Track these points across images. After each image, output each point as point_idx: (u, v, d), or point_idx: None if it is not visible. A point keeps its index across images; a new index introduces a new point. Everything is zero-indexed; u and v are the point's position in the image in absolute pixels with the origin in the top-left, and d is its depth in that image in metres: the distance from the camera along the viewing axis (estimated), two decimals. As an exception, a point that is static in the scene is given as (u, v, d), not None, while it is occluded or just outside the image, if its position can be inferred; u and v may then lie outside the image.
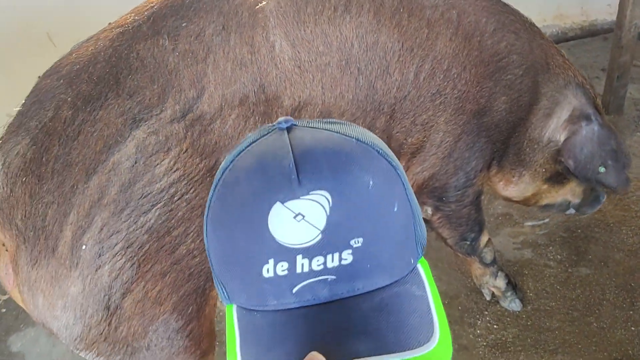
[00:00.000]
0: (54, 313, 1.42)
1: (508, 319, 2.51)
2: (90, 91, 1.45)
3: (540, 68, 2.14)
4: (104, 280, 1.41)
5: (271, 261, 0.66)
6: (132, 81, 1.47)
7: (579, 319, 2.45)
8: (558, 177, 2.36)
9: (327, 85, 1.70)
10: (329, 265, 0.66)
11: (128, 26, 1.58)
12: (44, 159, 1.40)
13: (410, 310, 0.67)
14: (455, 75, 1.90)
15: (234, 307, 0.72)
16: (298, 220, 0.65)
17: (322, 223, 0.65)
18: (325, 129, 0.72)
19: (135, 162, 1.42)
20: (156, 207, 1.44)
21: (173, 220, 1.47)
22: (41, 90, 1.51)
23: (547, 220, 2.99)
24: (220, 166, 0.74)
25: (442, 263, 2.80)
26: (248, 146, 0.72)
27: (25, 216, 1.39)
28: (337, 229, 0.65)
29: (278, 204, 0.65)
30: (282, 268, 0.66)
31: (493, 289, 2.58)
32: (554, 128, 2.21)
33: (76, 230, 1.39)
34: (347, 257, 0.66)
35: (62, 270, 1.39)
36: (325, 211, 0.65)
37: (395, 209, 0.69)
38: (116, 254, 1.41)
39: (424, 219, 2.26)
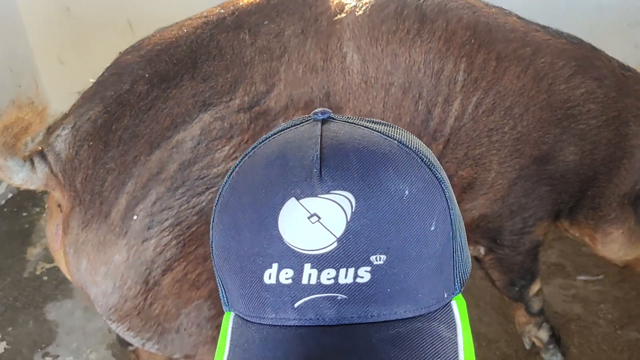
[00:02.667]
0: (94, 278, 1.43)
1: (547, 372, 2.41)
2: (167, 70, 1.49)
3: (633, 119, 1.96)
4: (148, 254, 1.42)
5: (275, 265, 0.57)
6: (208, 67, 1.50)
7: (622, 384, 2.32)
8: None
9: (388, 105, 1.69)
10: (341, 281, 0.55)
11: (213, 17, 1.62)
12: (113, 127, 1.43)
13: (431, 352, 0.55)
14: (517, 115, 1.83)
15: (231, 315, 0.63)
16: (312, 221, 0.55)
17: (340, 229, 0.55)
18: (366, 127, 0.62)
19: (198, 144, 1.44)
20: (210, 191, 1.45)
21: None
22: (121, 64, 1.55)
23: (601, 276, 2.86)
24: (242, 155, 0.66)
25: (484, 303, 2.72)
26: (275, 134, 0.64)
27: (85, 179, 1.42)
28: (357, 239, 0.55)
29: (293, 199, 0.56)
30: (287, 276, 0.56)
31: (535, 339, 2.48)
32: None
33: (131, 200, 1.40)
34: (364, 275, 0.55)
35: (110, 236, 1.41)
36: (346, 216, 0.55)
37: (433, 228, 0.58)
38: (164, 229, 1.42)
39: (475, 257, 2.19)
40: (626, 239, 2.10)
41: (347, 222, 0.55)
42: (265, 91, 1.53)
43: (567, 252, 3.04)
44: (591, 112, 1.91)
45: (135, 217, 1.40)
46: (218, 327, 1.55)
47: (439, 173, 0.61)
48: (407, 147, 0.61)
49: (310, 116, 0.64)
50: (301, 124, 0.64)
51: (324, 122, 0.63)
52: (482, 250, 2.13)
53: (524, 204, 1.97)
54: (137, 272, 1.42)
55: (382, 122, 0.65)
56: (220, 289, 0.65)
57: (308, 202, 0.56)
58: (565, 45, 1.91)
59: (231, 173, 0.63)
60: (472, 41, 1.77)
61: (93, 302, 1.50)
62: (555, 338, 2.45)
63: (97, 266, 1.42)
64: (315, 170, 0.56)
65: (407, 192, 0.58)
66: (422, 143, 0.65)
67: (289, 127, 0.64)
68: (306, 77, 1.59)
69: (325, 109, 0.64)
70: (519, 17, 1.94)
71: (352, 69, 1.65)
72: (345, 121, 0.63)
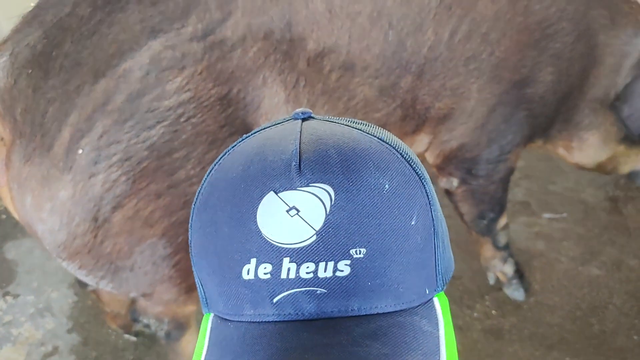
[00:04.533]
0: (40, 215, 1.37)
1: (508, 307, 2.43)
2: None
3: (601, 28, 1.97)
4: (95, 190, 1.35)
5: (253, 261, 0.55)
6: None
7: (581, 319, 2.36)
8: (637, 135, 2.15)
9: (354, 35, 1.61)
10: (321, 275, 0.54)
11: None
12: (53, 53, 1.34)
13: (413, 346, 0.55)
14: (494, 41, 1.77)
15: (211, 316, 0.62)
16: (291, 214, 0.54)
17: (319, 222, 0.54)
18: (346, 125, 0.62)
19: (147, 74, 1.35)
20: (161, 125, 1.38)
21: (176, 142, 1.41)
22: None
23: (565, 214, 2.88)
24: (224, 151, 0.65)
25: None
26: (255, 132, 0.63)
27: (25, 110, 1.33)
28: (337, 232, 0.54)
29: (272, 193, 0.55)
30: (265, 270, 0.55)
31: (499, 274, 2.51)
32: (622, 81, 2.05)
33: (75, 133, 1.33)
34: (344, 268, 0.54)
35: (54, 171, 1.33)
36: (325, 209, 0.54)
37: (413, 223, 0.58)
38: (113, 164, 1.35)
39: (446, 190, 2.17)
40: (601, 141, 2.13)
41: (327, 215, 0.54)
42: (220, 19, 1.44)
43: (533, 190, 3.05)
44: (565, 29, 1.89)
45: (80, 151, 1.33)
46: (175, 265, 1.51)
47: (419, 169, 0.60)
48: (387, 143, 0.60)
49: (291, 116, 0.63)
50: (281, 123, 0.63)
51: (304, 120, 0.62)
52: (454, 182, 2.10)
53: (503, 130, 1.95)
54: (85, 209, 1.36)
55: (362, 122, 0.64)
56: (199, 290, 0.64)
57: (287, 195, 0.55)
58: None
59: (210, 171, 0.62)
60: None
61: (41, 240, 1.44)
62: (519, 273, 2.48)
63: (42, 202, 1.36)
64: (294, 164, 0.55)
65: (387, 186, 0.57)
66: (402, 142, 0.63)
67: (269, 126, 0.63)
68: (266, 5, 1.50)
69: (305, 109, 0.63)
70: None
71: None
72: (325, 120, 0.63)
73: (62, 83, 1.33)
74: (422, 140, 1.94)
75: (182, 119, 1.40)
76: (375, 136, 0.60)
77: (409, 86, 1.75)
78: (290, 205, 0.54)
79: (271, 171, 0.56)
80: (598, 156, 2.19)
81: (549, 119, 2.05)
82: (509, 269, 2.47)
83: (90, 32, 1.34)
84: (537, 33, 1.84)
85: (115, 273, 1.47)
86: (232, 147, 0.62)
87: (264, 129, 0.63)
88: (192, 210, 0.62)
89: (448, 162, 2.01)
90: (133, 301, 1.87)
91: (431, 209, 0.60)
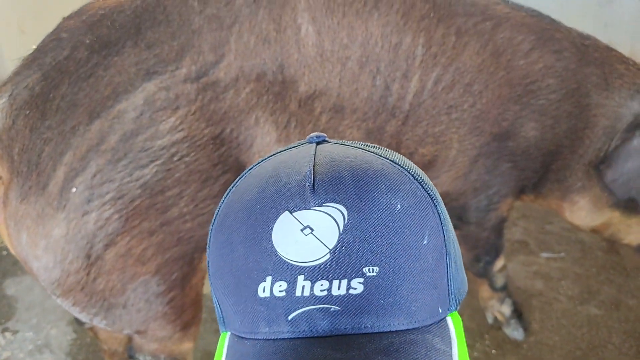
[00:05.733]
0: (35, 252, 1.39)
1: (508, 346, 2.42)
2: (109, 36, 1.43)
3: (593, 88, 1.92)
4: (88, 228, 1.38)
5: (269, 279, 0.57)
6: (153, 34, 1.45)
7: (581, 359, 2.34)
8: (632, 203, 2.06)
9: (344, 79, 1.65)
10: (335, 292, 0.56)
11: None
12: (51, 95, 1.38)
13: None
14: (477, 92, 1.80)
15: (227, 335, 0.64)
16: (305, 233, 0.56)
17: (332, 241, 0.56)
18: (359, 148, 0.64)
19: (141, 114, 1.39)
20: (154, 164, 1.41)
21: (169, 180, 1.44)
22: (62, 30, 1.49)
23: (563, 254, 2.88)
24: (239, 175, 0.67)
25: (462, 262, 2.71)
26: (271, 156, 0.66)
27: (22, 149, 1.37)
28: (350, 251, 0.56)
29: (286, 213, 0.57)
30: (280, 288, 0.57)
31: (497, 314, 2.50)
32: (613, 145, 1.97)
33: (69, 172, 1.36)
34: (358, 286, 0.56)
35: (48, 209, 1.36)
36: (339, 228, 0.56)
37: (425, 242, 0.59)
38: (105, 202, 1.38)
39: None
40: (592, 205, 2.08)
41: (340, 234, 0.56)
42: (214, 61, 1.48)
43: (530, 229, 3.06)
44: (550, 86, 1.88)
45: (74, 189, 1.36)
46: (169, 302, 1.52)
47: (431, 190, 0.62)
48: (399, 165, 0.62)
49: (305, 139, 0.65)
50: (296, 147, 0.65)
51: (318, 143, 0.64)
52: None
53: (487, 181, 1.95)
54: (78, 247, 1.38)
55: (375, 145, 0.66)
56: (217, 309, 0.65)
57: (301, 215, 0.57)
58: (525, 19, 1.88)
59: (227, 194, 0.64)
60: (431, 15, 1.74)
61: (36, 277, 1.46)
62: (517, 313, 2.47)
63: (37, 240, 1.38)
64: (308, 184, 0.57)
65: (399, 206, 0.58)
66: (414, 164, 0.65)
67: (284, 150, 0.66)
68: (258, 49, 1.54)
69: (320, 133, 0.66)
70: None
71: (307, 42, 1.61)
72: (339, 143, 0.65)
73: (58, 123, 1.37)
74: None
75: (175, 158, 1.44)
76: (387, 158, 0.62)
77: (394, 130, 1.78)
78: (305, 225, 0.56)
79: (286, 192, 0.58)
80: (590, 220, 2.13)
81: (537, 173, 2.02)
82: (506, 309, 2.46)
83: (87, 74, 1.39)
84: (519, 88, 1.83)
85: (108, 310, 1.49)
86: (248, 171, 0.64)
87: (278, 152, 0.65)
88: (209, 233, 0.64)
89: None
90: (130, 338, 1.87)
91: (443, 229, 0.61)
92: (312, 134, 0.65)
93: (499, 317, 2.49)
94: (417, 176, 0.61)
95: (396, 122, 1.76)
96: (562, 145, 1.98)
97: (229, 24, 1.52)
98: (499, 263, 2.33)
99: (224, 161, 1.52)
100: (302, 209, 0.57)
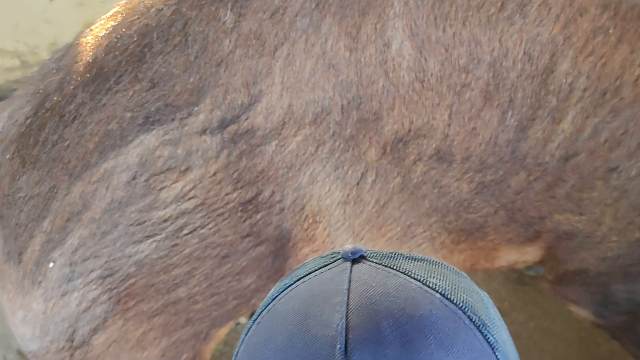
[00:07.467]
0: (13, 320, 1.16)
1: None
2: (106, 63, 1.05)
3: None
4: (70, 310, 1.10)
5: None
6: (162, 61, 1.03)
7: None
8: None
9: (457, 115, 1.14)
10: None
11: None
12: (32, 139, 1.07)
13: None
14: None
15: None
16: None
17: None
18: (403, 272, 0.53)
19: (134, 178, 1.04)
20: (153, 239, 1.07)
21: (175, 258, 1.10)
22: (73, 45, 1.15)
23: None
24: (263, 301, 0.57)
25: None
26: (299, 280, 0.56)
27: (5, 202, 1.10)
28: None
29: None
30: None
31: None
32: None
33: (46, 242, 1.07)
34: None
35: (26, 281, 1.11)
36: None
37: None
38: (90, 282, 1.08)
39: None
40: None
41: None
42: (247, 102, 1.06)
43: None
44: None
45: (51, 264, 1.07)
46: None
47: (493, 334, 0.51)
48: (453, 302, 0.50)
49: (339, 252, 0.56)
50: (328, 266, 0.55)
51: (354, 262, 0.54)
52: (586, 313, 1.55)
53: None
54: (59, 328, 1.12)
55: (422, 257, 0.55)
56: None
57: None
58: None
59: (247, 331, 0.55)
60: (611, 30, 1.11)
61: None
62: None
63: (16, 309, 1.14)
64: (339, 346, 0.46)
65: None
66: (473, 287, 0.55)
67: (314, 270, 0.56)
68: (317, 78, 1.08)
69: (356, 246, 0.56)
70: None
71: (400, 62, 1.11)
72: (378, 264, 0.54)
73: (35, 182, 1.06)
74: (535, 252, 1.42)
75: (184, 232, 1.08)
76: (438, 291, 0.51)
77: (522, 187, 1.25)
78: None
79: (314, 352, 0.48)
80: None
81: None
82: None
83: (71, 117, 1.03)
84: None
85: None
86: (272, 300, 0.55)
87: (309, 273, 0.56)
88: None
89: (569, 285, 1.46)
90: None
91: None
92: (346, 247, 0.55)
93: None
94: (474, 317, 0.50)
95: (527, 176, 1.23)
96: None
97: (275, 45, 1.05)
98: None
99: (258, 232, 1.13)
100: None
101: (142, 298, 1.12)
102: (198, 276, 1.12)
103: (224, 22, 1.04)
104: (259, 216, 1.13)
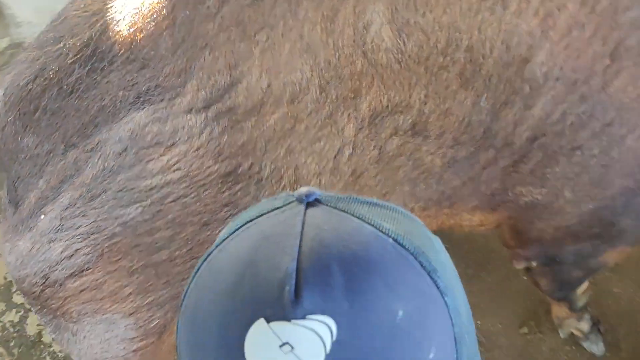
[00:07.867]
0: (2, 248, 1.28)
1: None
2: (100, 43, 1.12)
3: None
4: (53, 255, 1.21)
5: None
6: (152, 44, 1.12)
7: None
8: None
9: (434, 95, 1.23)
10: None
11: None
12: (32, 105, 1.15)
13: None
14: (618, 136, 1.30)
15: None
16: (285, 351, 0.45)
17: None
18: (357, 216, 0.51)
19: (125, 150, 1.14)
20: (139, 204, 1.18)
21: (159, 222, 1.21)
22: (67, 15, 1.22)
23: None
24: (217, 238, 0.55)
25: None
26: (251, 220, 0.53)
27: (10, 157, 1.23)
28: None
29: (262, 321, 0.46)
30: None
31: (574, 331, 2.19)
32: None
33: (40, 198, 1.19)
34: None
35: (19, 226, 1.23)
36: (325, 347, 0.45)
37: (431, 356, 0.48)
38: (77, 235, 1.20)
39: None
40: None
41: (327, 355, 0.45)
42: (230, 83, 1.14)
43: None
44: None
45: (42, 216, 1.18)
46: (136, 351, 1.34)
47: (442, 279, 0.50)
48: (405, 247, 0.50)
49: (294, 195, 0.54)
50: (281, 208, 0.54)
51: (308, 205, 0.52)
52: (533, 264, 1.74)
53: (598, 233, 1.54)
54: (38, 266, 1.23)
55: (378, 202, 0.54)
56: None
57: (280, 327, 0.46)
58: None
59: (197, 270, 0.54)
60: (587, 25, 1.20)
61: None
62: (597, 327, 2.19)
63: (4, 241, 1.26)
64: (289, 288, 0.46)
65: (400, 312, 0.47)
66: (426, 233, 0.54)
67: (267, 212, 0.54)
68: (295, 60, 1.16)
69: (311, 188, 0.53)
70: None
71: (379, 45, 1.18)
72: (333, 207, 0.53)
73: (35, 144, 1.16)
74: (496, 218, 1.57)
75: (168, 199, 1.19)
76: (390, 236, 0.50)
77: (490, 162, 1.37)
78: (284, 340, 0.45)
79: (263, 294, 0.47)
80: None
81: None
82: (585, 325, 2.15)
83: (69, 89, 1.12)
84: None
85: (58, 328, 1.35)
86: (222, 241, 0.54)
87: (261, 214, 0.54)
88: (177, 319, 0.54)
89: (529, 248, 1.63)
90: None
91: (454, 330, 0.50)
92: (301, 190, 0.53)
93: (576, 333, 2.19)
94: (425, 262, 0.50)
95: (495, 154, 1.35)
96: None
97: (254, 30, 1.14)
98: (584, 286, 1.98)
99: (236, 201, 1.24)
100: (280, 320, 0.46)
101: (125, 256, 1.23)
102: (179, 240, 1.24)
103: (208, 7, 1.12)
104: (238, 187, 1.23)
